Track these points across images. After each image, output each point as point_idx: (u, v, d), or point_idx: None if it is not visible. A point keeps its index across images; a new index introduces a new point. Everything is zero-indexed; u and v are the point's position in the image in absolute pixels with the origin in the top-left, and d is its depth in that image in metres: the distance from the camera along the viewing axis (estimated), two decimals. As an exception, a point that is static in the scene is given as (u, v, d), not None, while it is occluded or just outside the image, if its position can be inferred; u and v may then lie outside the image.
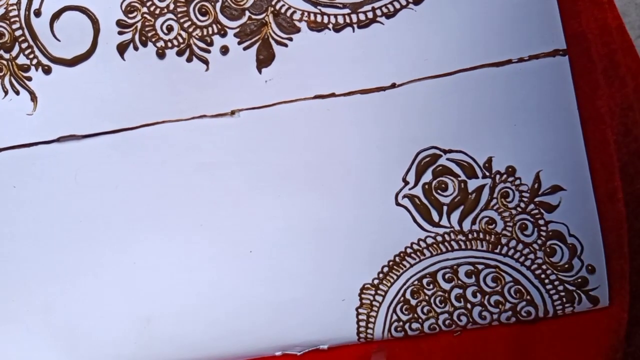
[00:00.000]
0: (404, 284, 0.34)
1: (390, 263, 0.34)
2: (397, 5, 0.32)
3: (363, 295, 0.34)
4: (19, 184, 0.35)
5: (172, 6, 0.33)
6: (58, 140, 0.34)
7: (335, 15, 0.33)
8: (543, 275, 0.33)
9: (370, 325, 0.34)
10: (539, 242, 0.33)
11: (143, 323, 0.35)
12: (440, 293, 0.34)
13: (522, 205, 0.33)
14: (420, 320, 0.34)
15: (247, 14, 0.33)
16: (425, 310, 0.34)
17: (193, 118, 0.34)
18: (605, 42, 0.32)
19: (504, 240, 0.33)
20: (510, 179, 0.33)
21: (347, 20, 0.33)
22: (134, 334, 0.35)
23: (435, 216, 0.34)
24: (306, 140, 0.33)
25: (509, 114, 0.32)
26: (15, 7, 0.33)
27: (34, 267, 0.35)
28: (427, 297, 0.34)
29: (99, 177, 0.35)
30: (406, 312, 0.34)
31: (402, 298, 0.34)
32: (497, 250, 0.33)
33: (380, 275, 0.34)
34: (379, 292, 0.34)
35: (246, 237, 0.34)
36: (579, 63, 0.32)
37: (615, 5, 0.33)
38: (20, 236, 0.35)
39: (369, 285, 0.34)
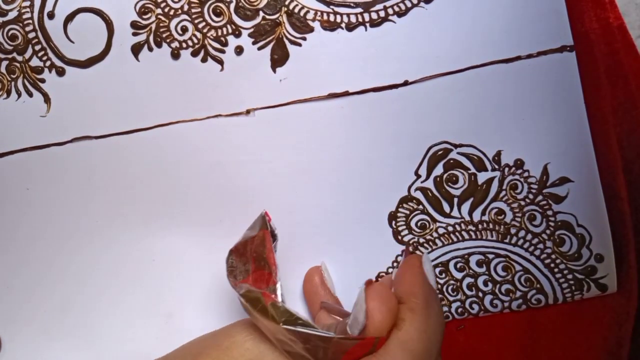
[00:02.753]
0: (417, 274, 0.35)
1: (404, 253, 0.35)
2: (409, 4, 0.33)
3: (392, 270, 0.35)
4: (33, 185, 0.35)
5: (186, 7, 0.33)
6: (72, 141, 0.35)
7: (348, 15, 0.33)
8: (552, 265, 0.34)
9: (386, 315, 0.35)
10: (548, 232, 0.34)
11: (164, 318, 0.35)
12: (452, 282, 0.35)
13: (531, 196, 0.34)
14: (433, 308, 0.35)
15: (261, 14, 0.33)
16: (438, 299, 0.35)
17: (208, 118, 0.34)
18: (607, 41, 0.33)
19: (513, 231, 0.34)
20: (519, 171, 0.34)
21: (360, 20, 0.33)
22: (155, 329, 0.35)
23: (446, 207, 0.35)
24: (320, 138, 0.34)
25: (517, 108, 0.33)
26: (28, 9, 0.33)
27: (49, 268, 0.36)
28: (439, 286, 0.35)
29: (114, 178, 0.35)
30: (420, 301, 0.35)
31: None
32: (506, 240, 0.34)
33: (395, 264, 0.35)
34: (393, 282, 0.35)
35: (263, 233, 0.35)
36: (582, 62, 0.33)
37: (617, 5, 0.34)
38: (34, 238, 0.36)
39: (383, 274, 0.35)
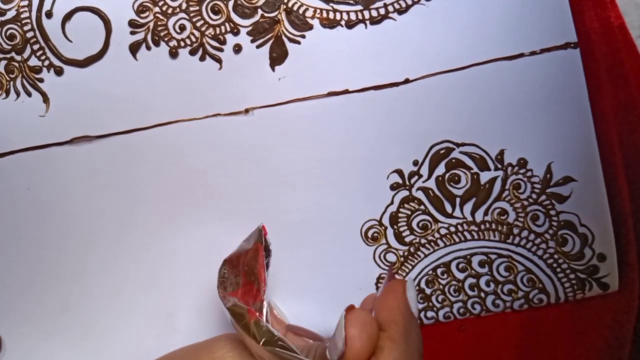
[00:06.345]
0: (419, 273, 0.35)
1: (405, 253, 0.35)
2: (409, 1, 0.32)
3: (379, 285, 0.35)
4: (33, 185, 0.35)
5: (184, 5, 0.33)
6: (71, 141, 0.34)
7: (348, 12, 0.33)
8: (555, 264, 0.34)
9: (387, 315, 0.35)
10: (551, 232, 0.33)
11: (164, 318, 0.35)
12: (454, 282, 0.35)
13: (534, 196, 0.33)
14: (435, 308, 0.35)
15: (260, 12, 0.33)
16: (440, 299, 0.35)
17: (207, 117, 0.34)
18: (608, 40, 0.33)
19: (516, 231, 0.34)
20: (522, 170, 0.33)
21: (360, 17, 0.33)
22: (155, 329, 0.35)
23: (448, 208, 0.34)
24: (320, 137, 0.34)
25: (520, 106, 0.33)
26: (26, 9, 0.33)
27: (50, 268, 0.36)
28: (441, 287, 0.35)
29: (114, 177, 0.35)
30: (421, 301, 0.35)
31: (417, 287, 0.35)
32: (509, 240, 0.34)
33: (396, 265, 0.35)
34: (394, 282, 0.35)
35: (263, 232, 0.35)
36: (583, 61, 0.32)
37: (617, 4, 0.33)
38: (34, 237, 0.35)
39: (385, 275, 0.35)
